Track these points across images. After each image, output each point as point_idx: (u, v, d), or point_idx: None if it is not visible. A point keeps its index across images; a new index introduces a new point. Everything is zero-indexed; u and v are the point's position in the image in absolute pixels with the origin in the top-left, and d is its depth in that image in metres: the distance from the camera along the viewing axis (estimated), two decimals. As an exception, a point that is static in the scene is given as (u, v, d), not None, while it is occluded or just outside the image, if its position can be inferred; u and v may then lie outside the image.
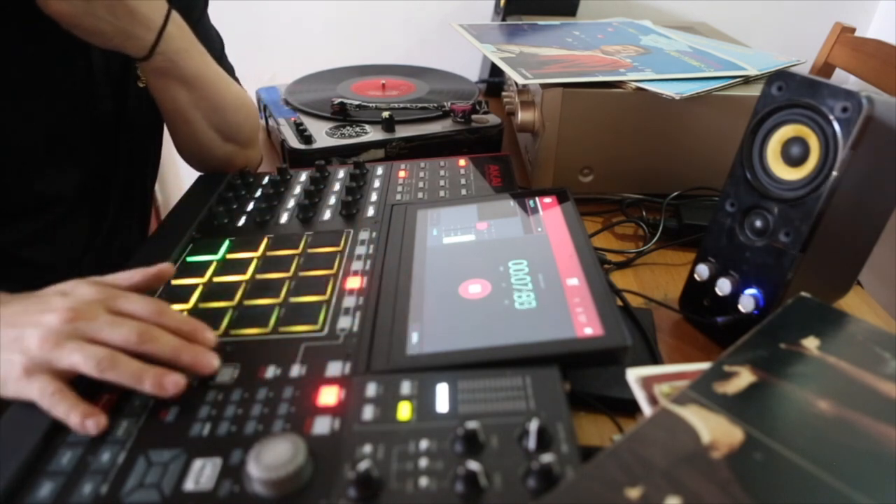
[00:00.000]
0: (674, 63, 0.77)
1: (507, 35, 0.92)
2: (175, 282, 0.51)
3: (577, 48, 0.85)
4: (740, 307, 0.51)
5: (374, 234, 0.56)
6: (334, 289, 0.49)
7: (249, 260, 0.53)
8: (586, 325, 0.41)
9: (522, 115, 0.75)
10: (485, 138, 0.83)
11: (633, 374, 0.39)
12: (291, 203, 0.63)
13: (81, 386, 0.39)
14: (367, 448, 0.34)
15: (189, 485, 0.33)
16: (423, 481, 0.32)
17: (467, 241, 0.53)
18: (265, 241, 0.56)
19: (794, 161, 0.47)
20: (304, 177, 0.69)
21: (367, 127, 0.81)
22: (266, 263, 0.53)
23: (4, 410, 0.39)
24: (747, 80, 0.74)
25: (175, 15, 0.59)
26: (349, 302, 0.47)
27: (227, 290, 0.49)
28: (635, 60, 0.78)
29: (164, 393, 0.38)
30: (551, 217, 0.55)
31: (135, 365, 0.38)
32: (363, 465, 0.31)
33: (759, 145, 0.49)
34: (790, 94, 0.46)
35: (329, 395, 0.38)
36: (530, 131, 0.77)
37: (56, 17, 0.51)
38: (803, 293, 0.44)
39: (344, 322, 0.45)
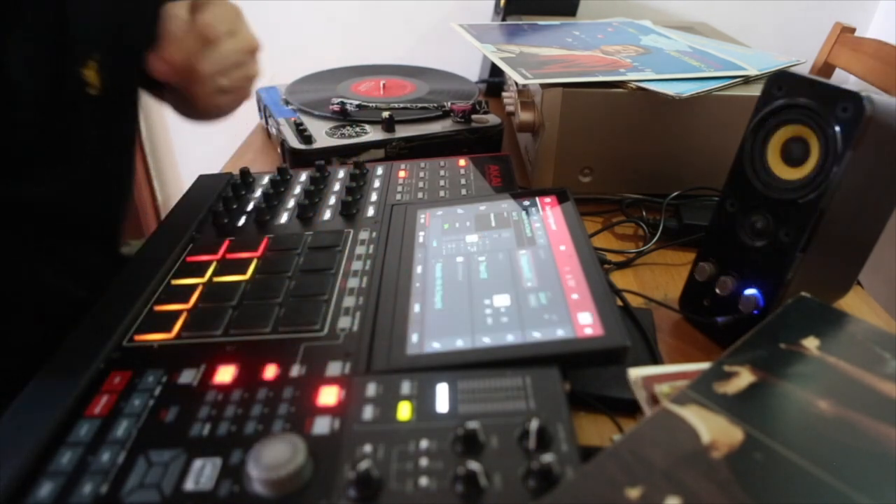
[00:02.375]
0: (674, 63, 0.77)
1: (507, 35, 0.92)
2: (175, 282, 0.51)
3: (577, 48, 0.85)
4: (740, 307, 0.51)
5: (374, 234, 0.56)
6: (334, 289, 0.49)
7: (249, 260, 0.53)
8: (586, 326, 0.41)
9: (522, 115, 0.75)
10: (485, 138, 0.83)
11: (633, 374, 0.39)
12: (291, 203, 0.63)
13: (85, 382, 0.39)
14: (367, 448, 0.34)
15: (189, 485, 0.33)
16: (423, 481, 0.32)
17: (467, 240, 0.53)
18: (265, 240, 0.56)
19: (795, 161, 0.47)
20: (304, 177, 0.69)
21: (367, 127, 0.81)
22: (266, 263, 0.53)
23: (4, 410, 0.39)
24: (747, 80, 0.74)
25: None
26: (349, 302, 0.47)
27: (226, 290, 0.49)
28: (635, 60, 0.78)
29: None
30: (551, 217, 0.55)
31: None
32: (363, 465, 0.31)
33: (759, 145, 0.49)
34: (790, 94, 0.46)
35: (329, 395, 0.38)
36: (530, 131, 0.77)
37: (217, 111, 0.60)
38: (803, 293, 0.44)
39: (344, 322, 0.45)
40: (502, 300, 0.45)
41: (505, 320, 0.43)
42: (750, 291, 0.50)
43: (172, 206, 0.64)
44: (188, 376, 0.41)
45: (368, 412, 0.37)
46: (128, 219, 0.70)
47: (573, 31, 0.94)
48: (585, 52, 0.83)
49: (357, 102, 0.85)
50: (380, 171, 0.70)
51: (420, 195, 0.64)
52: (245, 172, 0.69)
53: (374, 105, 0.85)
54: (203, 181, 0.70)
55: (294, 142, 0.78)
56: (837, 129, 0.43)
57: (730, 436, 0.32)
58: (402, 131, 0.81)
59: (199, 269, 0.52)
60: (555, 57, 0.80)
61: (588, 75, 0.72)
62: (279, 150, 0.83)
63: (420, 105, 0.85)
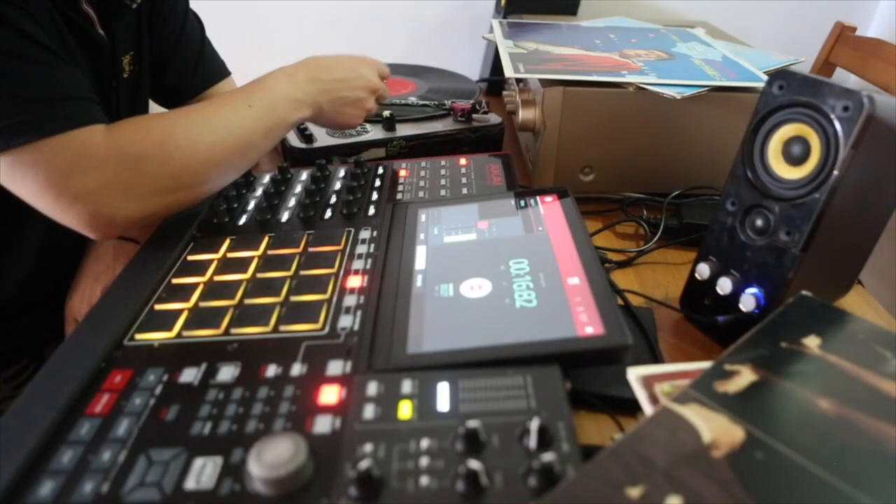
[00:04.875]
0: (687, 71, 0.75)
1: (535, 33, 0.92)
2: (176, 280, 0.51)
3: (596, 49, 0.84)
4: (741, 306, 0.51)
5: (374, 233, 0.56)
6: (335, 288, 0.49)
7: (250, 259, 0.53)
8: (587, 324, 0.41)
9: (523, 114, 0.75)
10: (486, 137, 0.83)
11: (634, 373, 0.39)
12: (292, 202, 0.63)
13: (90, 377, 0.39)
14: (368, 447, 0.34)
15: (190, 483, 0.33)
16: (424, 480, 0.32)
17: (468, 239, 0.53)
18: (266, 239, 0.56)
19: (796, 160, 0.47)
20: (305, 175, 0.69)
21: (368, 126, 0.81)
22: (267, 262, 0.53)
23: (4, 410, 0.39)
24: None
25: None
26: (350, 301, 0.47)
27: (228, 289, 0.49)
28: (648, 65, 0.77)
29: None
30: (552, 216, 0.55)
31: None
32: (364, 464, 0.31)
33: (760, 144, 0.49)
34: (791, 93, 0.46)
35: (330, 394, 0.38)
36: (531, 130, 0.77)
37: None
38: (804, 292, 0.44)
39: (345, 321, 0.45)
40: (503, 299, 0.45)
41: (506, 319, 0.43)
42: (750, 290, 0.50)
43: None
44: (189, 375, 0.41)
45: (369, 411, 0.37)
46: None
47: (609, 34, 0.94)
48: (601, 53, 0.82)
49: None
50: (381, 170, 0.70)
51: (421, 194, 0.64)
52: (246, 171, 0.69)
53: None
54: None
55: (295, 140, 0.78)
56: (838, 128, 0.43)
57: (731, 435, 0.32)
58: (403, 130, 0.81)
59: (200, 268, 0.52)
60: (564, 56, 0.80)
61: (582, 74, 0.71)
62: (280, 148, 0.83)
63: (421, 104, 0.85)
